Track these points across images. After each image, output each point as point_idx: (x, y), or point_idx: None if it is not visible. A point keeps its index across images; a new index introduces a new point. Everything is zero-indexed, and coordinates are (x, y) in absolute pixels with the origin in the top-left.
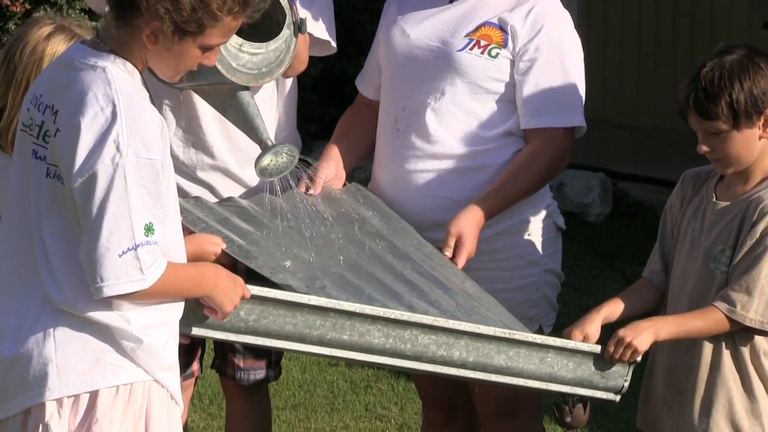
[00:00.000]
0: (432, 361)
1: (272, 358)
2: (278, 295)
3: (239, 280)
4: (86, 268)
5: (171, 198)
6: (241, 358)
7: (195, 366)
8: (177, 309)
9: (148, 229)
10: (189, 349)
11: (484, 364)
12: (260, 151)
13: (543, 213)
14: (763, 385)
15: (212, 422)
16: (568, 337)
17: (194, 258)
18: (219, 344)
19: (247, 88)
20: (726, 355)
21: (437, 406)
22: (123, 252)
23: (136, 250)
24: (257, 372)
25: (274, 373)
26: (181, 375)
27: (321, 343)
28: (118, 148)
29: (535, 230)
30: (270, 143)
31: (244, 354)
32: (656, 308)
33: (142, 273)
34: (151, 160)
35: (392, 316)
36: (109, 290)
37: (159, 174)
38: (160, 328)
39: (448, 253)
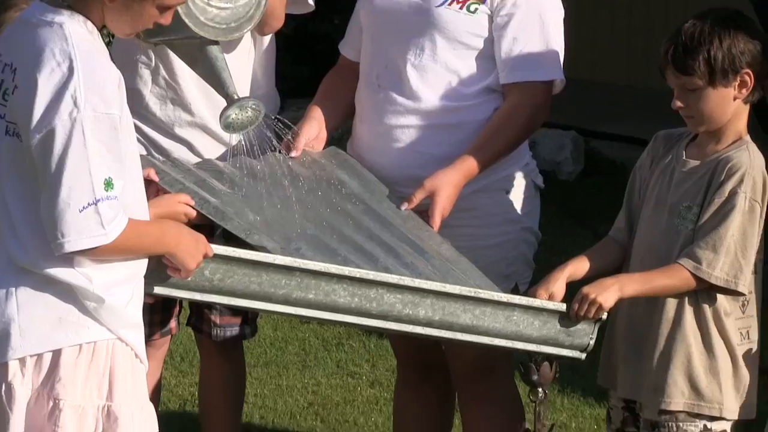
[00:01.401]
0: (398, 320)
1: (248, 314)
2: (243, 254)
3: (202, 238)
4: (47, 225)
5: (131, 154)
6: (217, 315)
7: (173, 323)
8: (140, 267)
9: (108, 184)
10: (166, 307)
11: (450, 323)
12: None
13: (522, 172)
14: (724, 343)
15: (184, 379)
16: (534, 296)
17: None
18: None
19: (216, 43)
20: (688, 312)
21: (412, 364)
22: (83, 207)
23: (96, 204)
24: (233, 329)
25: (250, 330)
26: (158, 332)
27: (286, 302)
28: (75, 103)
29: (513, 188)
30: (236, 97)
31: (221, 311)
32: (621, 266)
33: (103, 228)
34: (109, 114)
35: (357, 275)
36: (70, 246)
37: (117, 129)
38: (122, 287)
39: (406, 205)
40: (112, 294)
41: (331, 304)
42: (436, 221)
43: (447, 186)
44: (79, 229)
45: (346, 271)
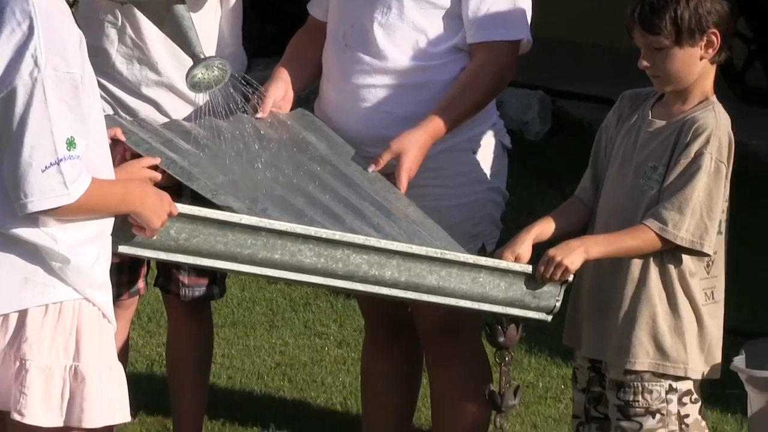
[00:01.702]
0: (364, 280)
1: (216, 275)
2: (209, 213)
3: (166, 196)
4: (9, 185)
5: (94, 114)
6: (185, 275)
7: (141, 284)
8: (105, 227)
9: (70, 144)
10: (134, 267)
11: (416, 284)
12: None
13: (489, 132)
14: (689, 303)
15: (151, 340)
16: (500, 258)
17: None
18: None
19: (182, 2)
20: (653, 272)
21: (380, 325)
22: (46, 167)
23: (59, 164)
24: (201, 289)
25: (218, 290)
26: (126, 293)
27: (252, 262)
28: (36, 63)
29: (481, 148)
30: (202, 56)
31: (189, 271)
32: (587, 226)
33: (66, 187)
34: (70, 74)
35: (323, 236)
36: (33, 206)
37: (78, 88)
38: (88, 247)
39: (373, 166)
40: (78, 254)
41: (297, 264)
42: (403, 183)
43: (413, 147)
44: (42, 189)
45: (312, 231)
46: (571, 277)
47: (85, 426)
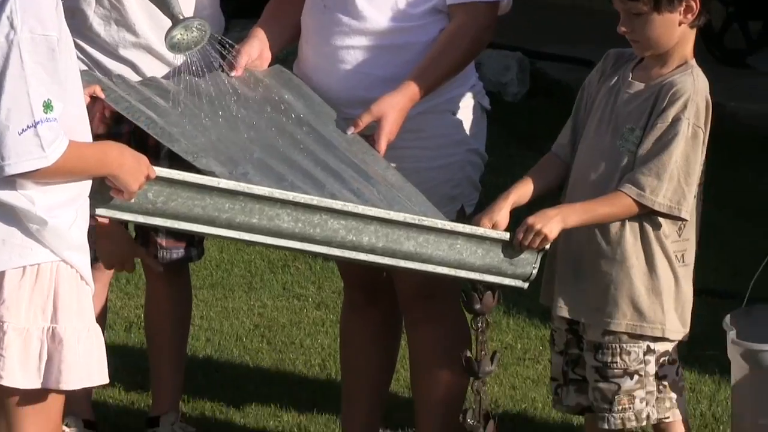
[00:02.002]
0: (341, 246)
1: (194, 237)
2: (187, 177)
3: (144, 159)
4: None
5: (71, 76)
6: (163, 238)
7: None
8: (83, 189)
9: (47, 106)
10: None
11: (394, 250)
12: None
13: (468, 93)
14: (668, 263)
15: (129, 302)
16: (477, 225)
17: None
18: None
19: None
20: (629, 232)
21: (358, 286)
22: (23, 130)
23: (35, 127)
24: (179, 251)
25: (197, 252)
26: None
27: (230, 226)
28: (12, 25)
29: (460, 110)
30: (181, 17)
31: (166, 233)
32: (563, 183)
33: (43, 150)
34: (47, 36)
35: (301, 201)
36: (10, 169)
37: (55, 50)
38: (65, 209)
39: (352, 129)
40: (55, 216)
41: (275, 229)
42: (382, 146)
43: (393, 111)
44: (19, 152)
45: (290, 196)
46: (548, 246)
47: (63, 388)
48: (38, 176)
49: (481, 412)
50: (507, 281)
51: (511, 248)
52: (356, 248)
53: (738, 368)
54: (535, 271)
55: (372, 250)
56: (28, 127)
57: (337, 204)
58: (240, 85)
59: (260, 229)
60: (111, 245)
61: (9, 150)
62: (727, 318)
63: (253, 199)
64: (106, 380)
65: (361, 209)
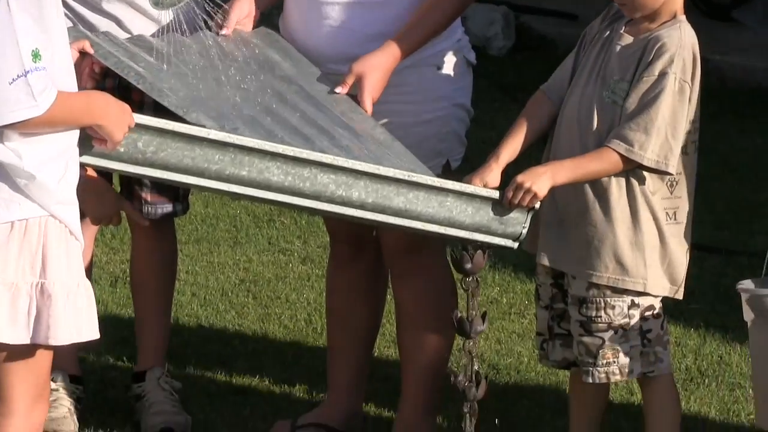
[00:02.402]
0: (330, 201)
1: (179, 192)
2: (177, 127)
3: (127, 108)
4: None
5: (58, 29)
6: (148, 192)
7: None
8: (71, 141)
9: (36, 55)
10: None
11: (383, 206)
12: None
13: (454, 47)
14: (651, 219)
15: (114, 256)
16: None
17: None
18: (125, 178)
19: None
20: (614, 185)
21: (344, 240)
22: (13, 79)
23: (26, 76)
24: (164, 206)
25: (182, 207)
26: None
27: (219, 178)
28: None
29: (445, 64)
30: None
31: (151, 188)
32: (550, 129)
33: (34, 99)
34: None
35: (291, 153)
36: (1, 119)
37: (41, 0)
38: (53, 163)
39: (339, 89)
40: (44, 170)
41: (264, 182)
42: (366, 105)
43: (373, 70)
44: (10, 102)
45: (281, 148)
46: (537, 204)
47: (51, 343)
48: (27, 126)
49: (473, 372)
50: (496, 240)
51: (500, 207)
52: (346, 203)
53: (752, 325)
54: (525, 231)
55: (362, 206)
56: (18, 76)
57: (327, 158)
58: (227, 45)
59: (250, 181)
60: (97, 200)
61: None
62: (743, 282)
63: (243, 151)
64: (96, 335)
65: (351, 164)
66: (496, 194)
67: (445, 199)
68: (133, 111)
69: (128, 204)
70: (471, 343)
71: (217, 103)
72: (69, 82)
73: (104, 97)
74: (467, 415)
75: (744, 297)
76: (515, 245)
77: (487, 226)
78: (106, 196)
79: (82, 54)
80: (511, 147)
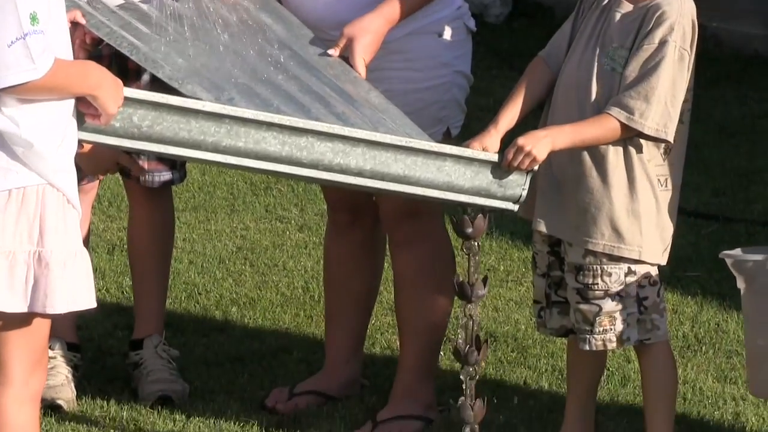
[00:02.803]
0: (328, 169)
1: (177, 160)
2: (172, 100)
3: (120, 83)
4: None
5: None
6: (145, 160)
7: None
8: (68, 109)
9: (33, 18)
10: None
11: (382, 173)
12: None
13: (455, 15)
14: (649, 187)
15: (112, 224)
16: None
17: None
18: None
19: None
20: (612, 152)
21: (342, 207)
22: (12, 42)
23: (24, 38)
24: (162, 174)
25: (179, 175)
26: (85, 177)
27: (216, 150)
28: None
29: (446, 32)
30: None
31: (149, 156)
32: (547, 97)
33: (33, 62)
34: None
35: (288, 123)
36: (0, 82)
37: None
38: (51, 131)
39: (332, 51)
40: (41, 138)
41: (262, 152)
42: (359, 68)
43: (365, 32)
44: (9, 64)
45: (276, 118)
46: (536, 167)
47: (48, 312)
48: (25, 91)
49: (474, 337)
50: (497, 203)
51: (499, 170)
52: (344, 171)
53: (743, 293)
54: (524, 193)
55: (360, 174)
56: (17, 39)
57: (323, 126)
58: (219, 9)
59: (246, 152)
60: (93, 151)
61: None
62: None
63: (239, 122)
64: (93, 304)
65: (348, 131)
66: (494, 157)
67: (443, 163)
68: (130, 80)
69: (125, 156)
70: (472, 307)
71: (211, 72)
72: (65, 51)
73: (100, 69)
74: (467, 379)
75: (729, 263)
76: (515, 207)
77: (486, 189)
78: (101, 146)
79: (74, 24)
80: (510, 114)
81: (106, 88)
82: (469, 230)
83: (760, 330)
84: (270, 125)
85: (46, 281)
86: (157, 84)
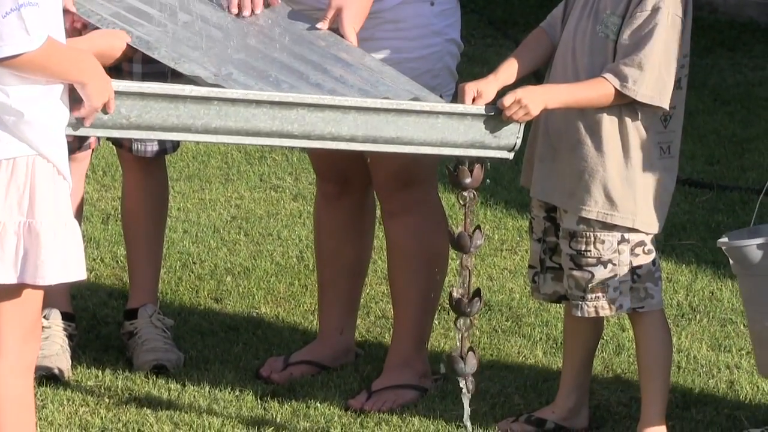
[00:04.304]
0: (321, 138)
1: None
2: (158, 89)
3: (109, 80)
4: None
5: None
6: None
7: (92, 138)
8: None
9: None
10: None
11: (374, 137)
12: None
13: None
14: (644, 155)
15: (106, 194)
16: (462, 91)
17: (101, 56)
18: None
19: None
20: (607, 119)
21: (331, 177)
22: (6, 13)
23: (19, 10)
24: (154, 143)
25: (172, 145)
26: (78, 147)
27: (206, 131)
28: None
29: (436, 0)
30: None
31: None
32: (546, 65)
33: (27, 34)
34: None
35: (277, 99)
36: None
37: None
38: (42, 101)
39: (321, 24)
40: (32, 108)
41: (253, 129)
42: (349, 37)
43: (351, 2)
44: (3, 36)
45: (265, 95)
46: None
47: (39, 283)
48: (19, 64)
49: (470, 288)
50: (492, 153)
51: (492, 121)
52: (336, 138)
53: (740, 277)
54: (518, 141)
55: (352, 139)
56: (11, 10)
57: (312, 98)
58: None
59: (238, 130)
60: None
61: None
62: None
63: (228, 103)
64: (83, 276)
65: (337, 100)
66: (485, 110)
67: (435, 121)
68: (123, 60)
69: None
70: (468, 257)
71: (205, 51)
72: (60, 37)
73: (95, 60)
74: (462, 333)
75: (725, 250)
76: (510, 155)
77: (480, 141)
78: None
79: (65, 12)
80: (510, 69)
81: (98, 80)
82: (468, 180)
83: (764, 312)
84: (259, 103)
85: (37, 252)
86: (150, 78)
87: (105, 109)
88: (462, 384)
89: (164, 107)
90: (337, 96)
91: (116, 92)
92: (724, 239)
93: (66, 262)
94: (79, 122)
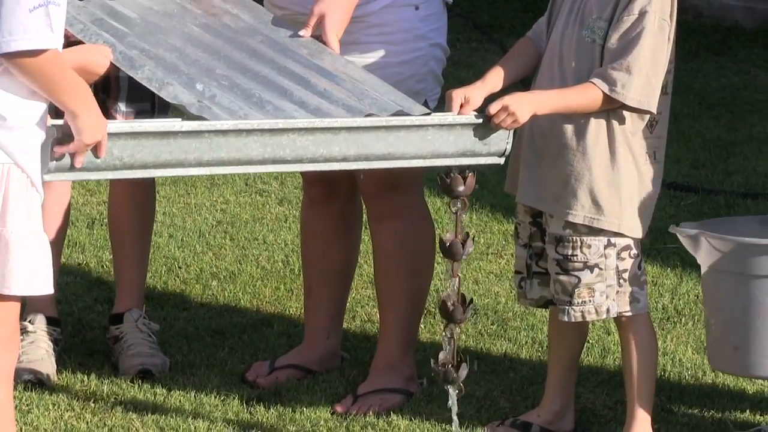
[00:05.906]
0: (313, 161)
1: None
2: (149, 127)
3: (105, 122)
4: None
5: None
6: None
7: None
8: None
9: None
10: None
11: (366, 155)
12: None
13: None
14: (630, 160)
15: (91, 198)
16: (450, 98)
17: (79, 69)
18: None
19: None
20: (594, 123)
21: (317, 182)
22: (34, 7)
23: (47, 6)
24: None
25: None
26: None
27: (199, 164)
28: None
29: (423, 4)
30: None
31: (126, 117)
32: (534, 72)
33: (51, 31)
34: None
35: (267, 126)
36: (16, 45)
37: None
38: (23, 109)
39: (303, 32)
40: (15, 115)
41: (245, 158)
42: (332, 44)
43: (335, 8)
44: (28, 28)
45: (255, 124)
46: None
47: (5, 292)
48: (28, 63)
49: (459, 295)
50: (483, 160)
51: (481, 129)
52: (328, 160)
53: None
54: (509, 146)
55: (345, 159)
56: (39, 5)
57: (302, 122)
58: (184, 2)
59: (230, 161)
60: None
61: (19, 25)
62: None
63: (219, 134)
64: (50, 290)
65: (327, 122)
66: (474, 119)
67: (425, 133)
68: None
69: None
70: (458, 265)
71: (188, 66)
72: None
73: (92, 96)
74: (451, 338)
75: (680, 237)
76: (501, 161)
77: (471, 150)
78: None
79: None
80: (497, 75)
81: (92, 115)
82: (461, 188)
83: (709, 304)
84: (249, 131)
85: (5, 261)
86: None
87: (96, 153)
88: (451, 392)
89: (156, 144)
90: (324, 116)
91: (108, 134)
92: (678, 227)
93: (34, 274)
94: (71, 165)
